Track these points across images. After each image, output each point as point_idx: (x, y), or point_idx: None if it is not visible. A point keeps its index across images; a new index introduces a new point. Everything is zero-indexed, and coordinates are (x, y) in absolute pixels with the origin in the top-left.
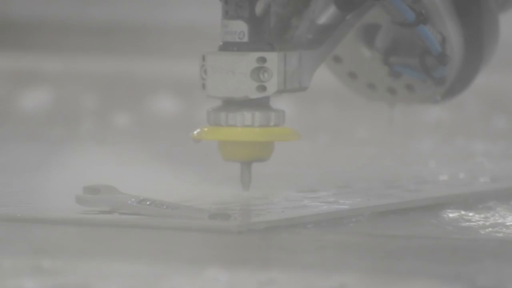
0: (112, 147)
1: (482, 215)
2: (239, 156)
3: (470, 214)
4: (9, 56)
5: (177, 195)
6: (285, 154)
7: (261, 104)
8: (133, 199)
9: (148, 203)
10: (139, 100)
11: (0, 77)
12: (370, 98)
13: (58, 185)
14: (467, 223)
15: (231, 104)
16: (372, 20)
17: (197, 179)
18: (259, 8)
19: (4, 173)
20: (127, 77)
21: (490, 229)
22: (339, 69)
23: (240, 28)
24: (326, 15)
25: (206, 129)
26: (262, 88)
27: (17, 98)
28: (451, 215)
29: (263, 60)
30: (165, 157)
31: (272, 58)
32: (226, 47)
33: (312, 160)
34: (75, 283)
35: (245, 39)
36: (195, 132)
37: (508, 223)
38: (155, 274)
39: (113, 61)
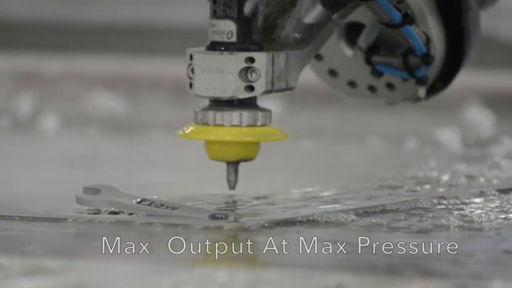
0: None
1: (482, 214)
2: (225, 156)
3: (469, 213)
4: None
5: (177, 195)
6: (285, 154)
7: (248, 103)
8: (133, 199)
9: (148, 203)
10: (140, 100)
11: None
12: (350, 95)
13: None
14: (466, 222)
15: (218, 103)
16: (354, 19)
17: (196, 179)
18: (247, 8)
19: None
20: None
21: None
22: (319, 67)
23: (228, 28)
24: (312, 15)
25: (193, 128)
26: (250, 88)
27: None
28: (450, 213)
29: (251, 60)
30: (165, 157)
31: (261, 59)
32: (214, 46)
33: (313, 160)
34: (75, 283)
35: (233, 39)
36: (181, 131)
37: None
38: (155, 273)
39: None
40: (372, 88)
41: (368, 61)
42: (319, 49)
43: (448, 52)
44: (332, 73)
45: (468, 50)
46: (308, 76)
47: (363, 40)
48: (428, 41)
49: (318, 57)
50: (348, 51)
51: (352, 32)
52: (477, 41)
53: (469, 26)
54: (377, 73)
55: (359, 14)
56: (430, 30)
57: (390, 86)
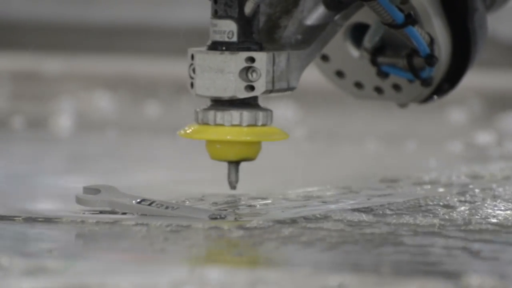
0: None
1: (483, 213)
2: (226, 156)
3: (470, 212)
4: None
5: (177, 195)
6: (286, 154)
7: (249, 103)
8: (133, 199)
9: (148, 203)
10: (140, 100)
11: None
12: (357, 96)
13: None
14: (466, 222)
15: (219, 103)
16: (360, 20)
17: (197, 179)
18: (248, 8)
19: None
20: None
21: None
22: (327, 68)
23: (229, 28)
24: (314, 15)
25: (194, 128)
26: (251, 88)
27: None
28: (450, 213)
29: (252, 60)
30: (165, 156)
31: (261, 58)
32: (215, 46)
33: (312, 160)
34: (75, 283)
35: (234, 39)
36: (182, 131)
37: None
38: (155, 273)
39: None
40: (378, 89)
41: (373, 62)
42: (322, 50)
43: (455, 53)
44: (339, 74)
45: (475, 51)
46: (308, 76)
47: (368, 41)
48: (432, 42)
49: (325, 58)
50: (355, 52)
51: (358, 33)
52: (484, 42)
53: (476, 27)
54: (383, 74)
55: (365, 15)
56: (435, 31)
57: (396, 87)
